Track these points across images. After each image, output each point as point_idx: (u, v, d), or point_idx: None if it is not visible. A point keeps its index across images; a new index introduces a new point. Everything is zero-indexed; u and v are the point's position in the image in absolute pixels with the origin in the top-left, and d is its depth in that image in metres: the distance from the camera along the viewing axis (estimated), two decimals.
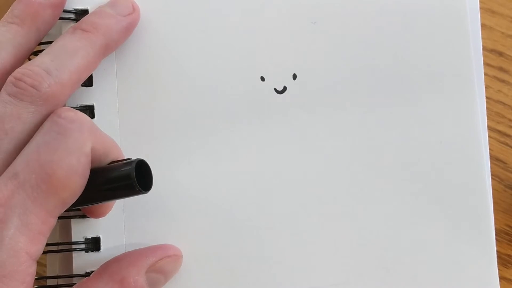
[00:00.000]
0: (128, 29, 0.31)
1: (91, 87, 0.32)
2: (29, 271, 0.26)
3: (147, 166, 0.28)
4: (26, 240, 0.25)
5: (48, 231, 0.26)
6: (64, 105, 0.29)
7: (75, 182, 0.26)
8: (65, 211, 0.31)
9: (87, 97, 0.31)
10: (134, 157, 0.28)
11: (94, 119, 0.31)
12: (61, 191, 0.26)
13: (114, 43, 0.31)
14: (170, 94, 0.32)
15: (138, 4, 0.32)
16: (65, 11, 0.31)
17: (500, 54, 0.37)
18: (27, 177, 0.25)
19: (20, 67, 0.28)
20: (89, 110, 0.31)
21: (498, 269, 0.31)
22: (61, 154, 0.26)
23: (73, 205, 0.27)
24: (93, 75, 0.32)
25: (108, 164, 0.28)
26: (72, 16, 0.32)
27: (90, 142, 0.26)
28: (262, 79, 0.32)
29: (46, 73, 0.27)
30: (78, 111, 0.27)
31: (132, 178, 0.26)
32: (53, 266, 0.32)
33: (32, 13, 0.29)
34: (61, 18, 0.31)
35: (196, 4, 0.32)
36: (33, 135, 0.27)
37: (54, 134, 0.26)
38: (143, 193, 0.27)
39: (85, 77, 0.29)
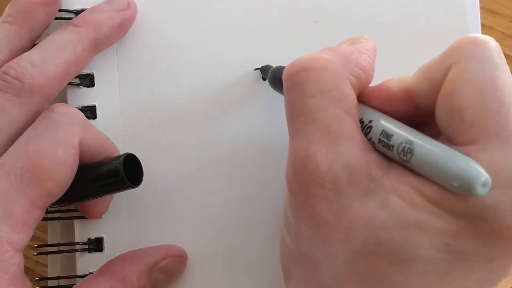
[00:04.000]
0: (122, 25, 0.31)
1: (92, 88, 0.32)
2: (13, 261, 0.25)
3: (137, 160, 0.28)
4: (8, 229, 0.25)
5: (33, 222, 0.26)
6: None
7: (61, 173, 0.26)
8: (66, 211, 0.31)
9: (89, 97, 0.31)
10: None
11: (96, 119, 0.31)
12: (46, 181, 0.26)
13: (106, 39, 0.31)
14: (172, 94, 0.32)
15: (141, 4, 0.32)
16: (65, 11, 0.32)
17: None
18: (12, 166, 0.26)
19: (9, 62, 0.28)
20: (90, 111, 0.31)
21: None
22: (48, 145, 0.26)
23: (65, 200, 0.28)
24: (94, 75, 0.32)
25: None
26: (73, 16, 0.32)
27: (79, 136, 0.27)
28: (264, 78, 0.32)
29: (30, 65, 0.28)
30: (71, 107, 0.28)
31: (120, 171, 0.27)
32: (54, 267, 0.32)
33: (24, 11, 0.29)
34: (62, 19, 0.31)
35: (197, 4, 0.32)
36: (21, 128, 0.27)
37: (44, 127, 0.27)
38: (133, 187, 0.28)
39: (74, 71, 0.30)
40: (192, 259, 0.31)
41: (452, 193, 0.21)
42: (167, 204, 0.31)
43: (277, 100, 0.32)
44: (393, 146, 0.22)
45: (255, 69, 0.32)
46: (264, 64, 0.32)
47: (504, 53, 0.38)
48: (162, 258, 0.30)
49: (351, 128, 0.23)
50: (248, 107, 0.32)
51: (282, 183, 0.31)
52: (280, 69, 0.29)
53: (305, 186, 0.22)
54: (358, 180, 0.22)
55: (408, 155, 0.21)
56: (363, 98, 0.24)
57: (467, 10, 0.32)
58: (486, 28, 0.37)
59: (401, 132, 0.22)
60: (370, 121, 0.23)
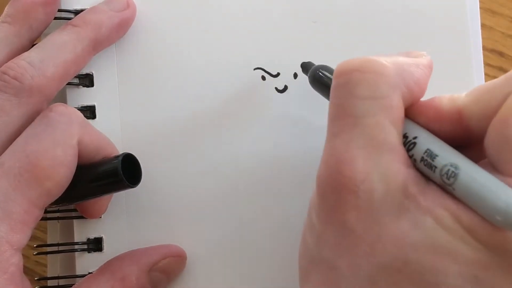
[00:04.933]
0: (121, 25, 0.31)
1: (92, 88, 0.32)
2: (11, 260, 0.25)
3: (136, 160, 0.28)
4: (7, 229, 0.25)
5: (32, 222, 0.26)
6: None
7: (60, 172, 0.26)
8: (66, 211, 0.31)
9: (88, 97, 0.31)
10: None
11: (95, 119, 0.31)
12: (45, 180, 0.26)
13: (105, 39, 0.31)
14: (171, 94, 0.32)
15: (141, 4, 0.32)
16: (65, 11, 0.32)
17: (500, 54, 0.38)
18: (11, 166, 0.26)
19: (8, 62, 0.28)
20: (90, 111, 0.31)
21: None
22: (46, 145, 0.26)
23: (64, 200, 0.28)
24: (94, 75, 0.32)
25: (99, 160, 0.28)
26: (72, 16, 0.31)
27: (77, 136, 0.27)
28: (263, 78, 0.32)
29: (29, 65, 0.28)
30: (69, 106, 0.28)
31: (118, 171, 0.27)
32: (54, 267, 0.32)
33: (23, 11, 0.29)
34: (61, 19, 0.31)
35: (197, 4, 0.32)
36: (20, 128, 0.27)
37: (43, 126, 0.27)
38: (132, 187, 0.28)
39: (73, 71, 0.30)
40: (192, 259, 0.31)
41: (490, 225, 0.20)
42: (167, 204, 0.31)
43: (277, 100, 0.32)
44: (436, 167, 0.21)
45: (255, 69, 0.32)
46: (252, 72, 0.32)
47: (504, 53, 0.38)
48: (162, 258, 0.30)
49: (395, 140, 0.22)
50: (247, 107, 0.32)
51: (282, 183, 0.31)
52: (324, 67, 0.28)
53: (337, 192, 0.22)
54: (393, 194, 0.21)
55: (452, 179, 0.21)
56: (411, 112, 0.23)
57: (467, 10, 0.32)
58: (486, 28, 0.37)
59: (447, 154, 0.21)
60: (415, 138, 0.22)
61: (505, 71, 0.38)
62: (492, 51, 0.38)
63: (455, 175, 0.21)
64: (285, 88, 0.32)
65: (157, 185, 0.31)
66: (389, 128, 0.22)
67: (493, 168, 0.21)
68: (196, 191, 0.31)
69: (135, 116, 0.32)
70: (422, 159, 0.22)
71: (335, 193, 0.22)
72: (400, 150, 0.22)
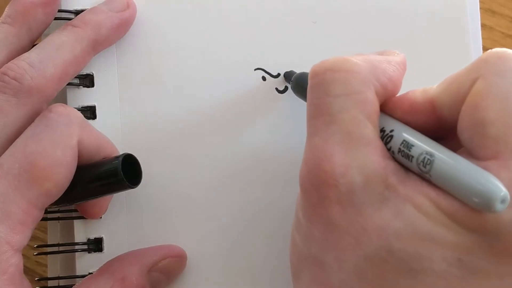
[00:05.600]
0: (121, 26, 0.31)
1: (92, 88, 0.32)
2: (11, 261, 0.25)
3: (136, 161, 0.28)
4: (7, 230, 0.25)
5: (32, 222, 0.26)
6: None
7: (59, 173, 0.26)
8: (66, 211, 0.31)
9: (89, 97, 0.31)
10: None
11: (95, 119, 0.31)
12: (44, 181, 0.26)
13: (105, 39, 0.31)
14: (172, 94, 0.32)
15: (141, 5, 0.32)
16: (65, 11, 0.32)
17: None
18: (10, 167, 0.26)
19: (8, 63, 0.28)
20: (90, 111, 0.31)
21: None
22: (46, 145, 0.26)
23: (64, 201, 0.28)
24: (94, 75, 0.32)
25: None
26: (72, 16, 0.31)
27: (77, 136, 0.27)
28: (264, 78, 0.32)
29: (29, 66, 0.28)
30: (69, 107, 0.28)
31: (119, 172, 0.27)
32: (54, 267, 0.32)
33: (23, 12, 0.29)
34: (61, 19, 0.31)
35: (197, 5, 0.32)
36: (19, 128, 0.27)
37: (42, 127, 0.27)
38: (132, 188, 0.28)
39: (73, 72, 0.30)
40: (192, 260, 0.31)
41: (469, 208, 0.20)
42: (167, 204, 0.31)
43: (277, 100, 0.32)
44: (413, 157, 0.22)
45: (255, 69, 0.32)
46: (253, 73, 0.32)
47: None
48: (162, 258, 0.30)
49: (371, 134, 0.23)
50: (247, 107, 0.32)
51: (281, 183, 0.31)
52: (304, 76, 0.29)
53: (319, 188, 0.22)
54: (373, 185, 0.22)
55: (428, 167, 0.21)
56: (387, 107, 0.24)
57: (467, 10, 0.32)
58: (486, 28, 0.37)
59: (421, 144, 0.22)
60: (392, 131, 0.23)
61: None
62: None
63: (430, 162, 0.21)
64: (286, 88, 0.32)
65: (157, 185, 0.31)
66: (364, 122, 0.22)
67: (469, 154, 0.21)
68: (196, 191, 0.31)
69: (135, 116, 0.32)
70: (399, 150, 0.22)
71: (317, 189, 0.22)
72: (377, 143, 0.23)
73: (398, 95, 0.25)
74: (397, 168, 0.22)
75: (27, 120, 0.27)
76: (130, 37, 0.32)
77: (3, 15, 0.30)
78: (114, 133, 0.31)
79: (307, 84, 0.25)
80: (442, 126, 0.23)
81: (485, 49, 0.35)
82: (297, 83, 0.30)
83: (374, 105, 0.23)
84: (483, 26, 0.33)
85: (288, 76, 0.32)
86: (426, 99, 0.23)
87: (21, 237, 0.26)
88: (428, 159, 0.21)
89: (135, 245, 0.31)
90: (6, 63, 0.28)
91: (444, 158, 0.21)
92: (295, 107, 0.32)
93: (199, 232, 0.31)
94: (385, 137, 0.23)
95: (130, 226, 0.31)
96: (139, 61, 0.32)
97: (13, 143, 0.27)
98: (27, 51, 0.29)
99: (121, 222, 0.31)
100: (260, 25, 0.32)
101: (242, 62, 0.32)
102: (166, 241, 0.31)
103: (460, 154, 0.22)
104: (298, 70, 0.32)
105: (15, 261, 0.26)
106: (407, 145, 0.22)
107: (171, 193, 0.31)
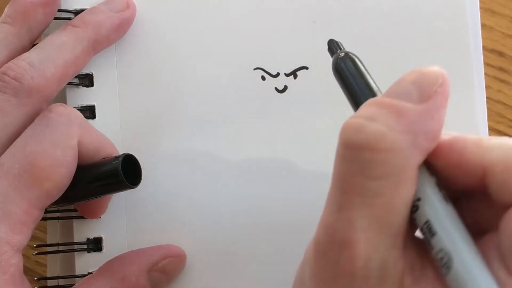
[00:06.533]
0: (121, 26, 0.31)
1: (92, 87, 0.32)
2: (11, 261, 0.26)
3: (136, 161, 0.28)
4: (7, 230, 0.25)
5: (32, 222, 0.26)
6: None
7: (59, 173, 0.26)
8: (66, 211, 0.31)
9: (88, 97, 0.32)
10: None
11: (95, 119, 0.31)
12: (44, 181, 0.26)
13: (105, 39, 0.31)
14: (171, 94, 0.32)
15: (141, 4, 0.32)
16: (65, 11, 0.32)
17: (500, 54, 0.37)
18: (10, 167, 0.26)
19: (8, 62, 0.28)
20: (90, 110, 0.31)
21: None
22: (46, 145, 0.26)
23: (64, 201, 0.28)
24: (93, 75, 0.32)
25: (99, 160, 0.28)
26: (72, 16, 0.32)
27: (77, 136, 0.27)
28: (263, 78, 0.32)
29: (29, 66, 0.28)
30: (69, 107, 0.28)
31: (119, 172, 0.27)
32: (54, 267, 0.32)
33: (23, 12, 0.30)
34: (61, 19, 0.31)
35: (197, 5, 0.32)
36: (19, 128, 0.27)
37: (42, 127, 0.27)
38: (132, 188, 0.28)
39: (73, 72, 0.30)
40: (191, 260, 0.31)
41: None
42: (166, 204, 0.31)
43: (277, 100, 0.32)
44: (433, 248, 0.20)
45: (255, 69, 0.32)
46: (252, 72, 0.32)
47: (504, 53, 0.38)
48: (161, 258, 0.30)
49: (402, 222, 0.20)
50: (247, 107, 0.32)
51: (281, 183, 0.31)
52: (348, 59, 0.25)
53: (334, 270, 0.21)
54: (388, 284, 0.20)
55: (445, 270, 0.20)
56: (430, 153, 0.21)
57: (467, 10, 0.32)
58: (486, 28, 0.37)
59: (445, 236, 0.20)
60: (419, 200, 0.21)
61: (505, 71, 0.38)
62: (492, 51, 0.38)
63: (448, 267, 0.19)
64: (285, 88, 0.32)
65: (157, 185, 0.31)
66: (399, 208, 0.20)
67: (502, 263, 0.20)
68: (195, 191, 0.31)
69: (135, 116, 0.32)
70: (422, 229, 0.21)
71: (332, 270, 0.21)
72: (403, 231, 0.21)
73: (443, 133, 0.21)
74: (414, 261, 0.21)
75: (27, 120, 0.27)
76: (129, 37, 0.32)
77: (3, 15, 0.30)
78: (114, 133, 0.31)
79: (349, 73, 0.22)
80: (479, 189, 0.21)
81: (485, 49, 0.35)
82: (337, 68, 0.26)
83: (412, 183, 0.20)
84: (483, 26, 0.33)
85: (331, 48, 0.27)
86: (480, 162, 0.20)
87: (21, 237, 0.26)
88: (446, 262, 0.19)
89: (134, 245, 0.31)
90: (6, 63, 0.28)
91: (463, 269, 0.19)
92: (294, 107, 0.32)
93: (199, 232, 0.31)
94: (413, 206, 0.21)
95: (129, 226, 0.31)
96: (139, 61, 0.32)
97: (13, 143, 0.27)
98: (27, 51, 0.29)
99: (120, 222, 0.31)
100: (260, 25, 0.32)
101: (241, 62, 0.32)
102: (165, 240, 0.31)
103: (489, 250, 0.20)
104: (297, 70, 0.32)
105: (15, 261, 0.26)
106: (430, 229, 0.20)
107: (171, 193, 0.31)
